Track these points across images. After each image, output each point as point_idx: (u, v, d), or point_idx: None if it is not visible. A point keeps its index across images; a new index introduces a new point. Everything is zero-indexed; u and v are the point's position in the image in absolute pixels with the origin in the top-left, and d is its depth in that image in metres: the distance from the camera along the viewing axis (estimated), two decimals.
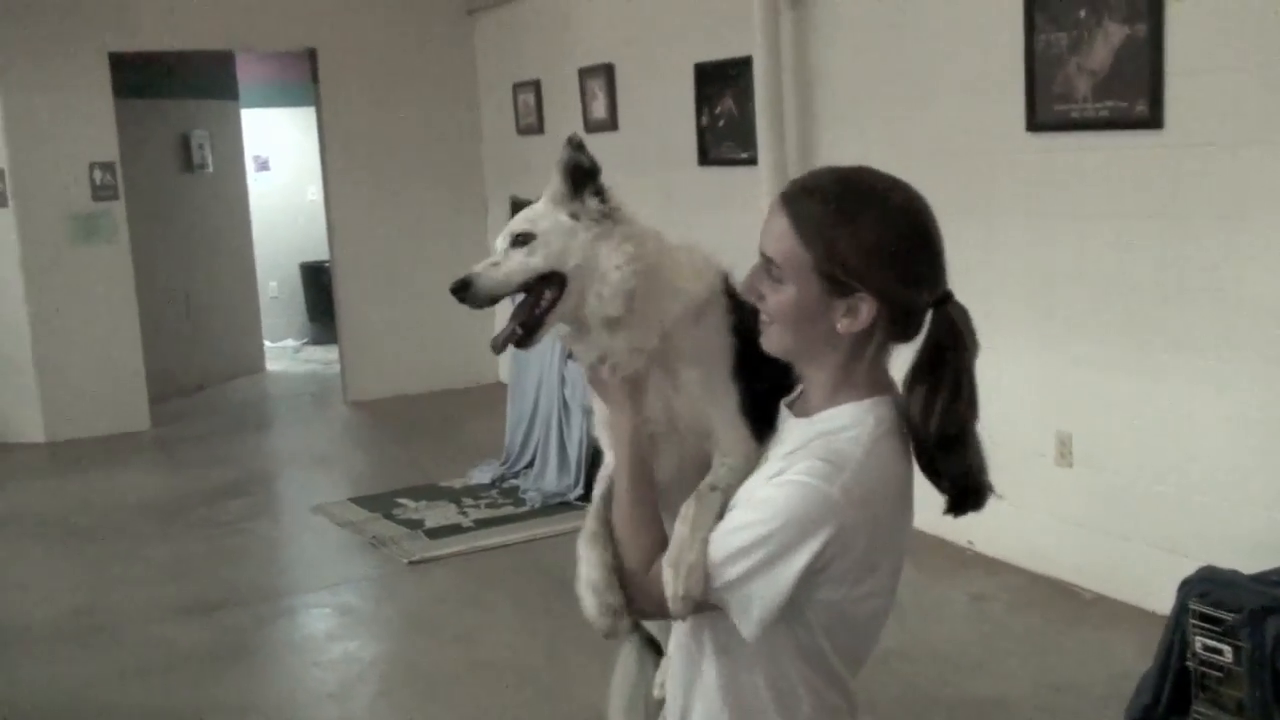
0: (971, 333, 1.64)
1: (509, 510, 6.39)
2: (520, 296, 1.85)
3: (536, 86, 8.65)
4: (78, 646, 4.90)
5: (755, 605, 1.60)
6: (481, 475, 6.95)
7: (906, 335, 1.66)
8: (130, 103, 8.76)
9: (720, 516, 1.68)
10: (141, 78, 9.02)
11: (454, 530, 6.09)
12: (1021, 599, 4.84)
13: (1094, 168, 4.61)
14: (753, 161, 6.19)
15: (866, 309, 1.61)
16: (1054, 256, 4.84)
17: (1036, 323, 4.90)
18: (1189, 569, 3.63)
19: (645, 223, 1.87)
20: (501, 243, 1.86)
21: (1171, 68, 4.22)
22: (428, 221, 9.30)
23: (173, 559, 5.94)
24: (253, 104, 11.45)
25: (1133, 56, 4.31)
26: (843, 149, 5.74)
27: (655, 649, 2.17)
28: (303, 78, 9.74)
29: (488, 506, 6.47)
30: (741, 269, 1.92)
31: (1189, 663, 3.48)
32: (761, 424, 1.82)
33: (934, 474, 1.67)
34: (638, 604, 1.73)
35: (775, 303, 1.65)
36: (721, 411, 1.82)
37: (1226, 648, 3.37)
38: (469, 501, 6.55)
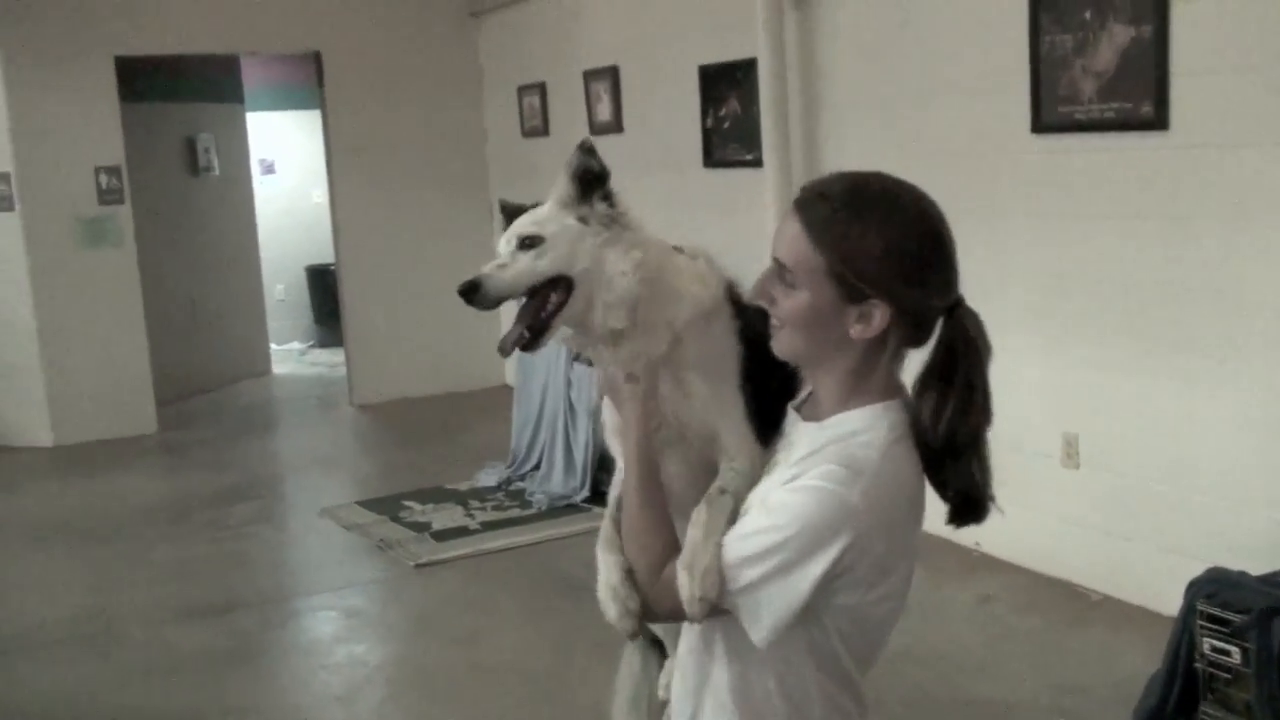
0: (984, 338, 1.64)
1: (515, 513, 6.39)
2: (524, 299, 1.85)
3: (541, 89, 8.65)
4: (83, 649, 4.91)
5: (767, 611, 1.60)
6: (488, 478, 6.95)
7: (919, 340, 1.66)
8: (136, 106, 8.78)
9: (732, 520, 1.68)
10: (147, 81, 9.04)
11: (461, 533, 6.09)
12: (1028, 600, 4.83)
13: (1099, 169, 4.61)
14: (758, 163, 6.19)
15: (880, 315, 1.60)
16: (1059, 257, 4.83)
17: (1041, 323, 4.89)
18: (1196, 570, 3.63)
19: (650, 229, 1.87)
20: (505, 245, 1.85)
21: (1177, 69, 4.21)
22: (433, 224, 9.30)
23: (179, 562, 5.95)
24: (258, 107, 11.48)
25: (1138, 58, 4.31)
26: (847, 150, 5.74)
27: (659, 649, 2.17)
28: (308, 81, 9.75)
29: (494, 509, 6.47)
30: (745, 271, 1.93)
31: (1197, 664, 3.47)
32: (765, 428, 1.83)
33: (940, 483, 1.67)
34: (653, 608, 1.72)
35: (787, 308, 1.64)
36: (728, 416, 1.82)
37: (1234, 649, 3.37)
38: (475, 504, 6.56)
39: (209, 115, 10.32)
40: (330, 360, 11.22)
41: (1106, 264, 4.64)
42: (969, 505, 1.67)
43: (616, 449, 1.89)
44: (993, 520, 1.71)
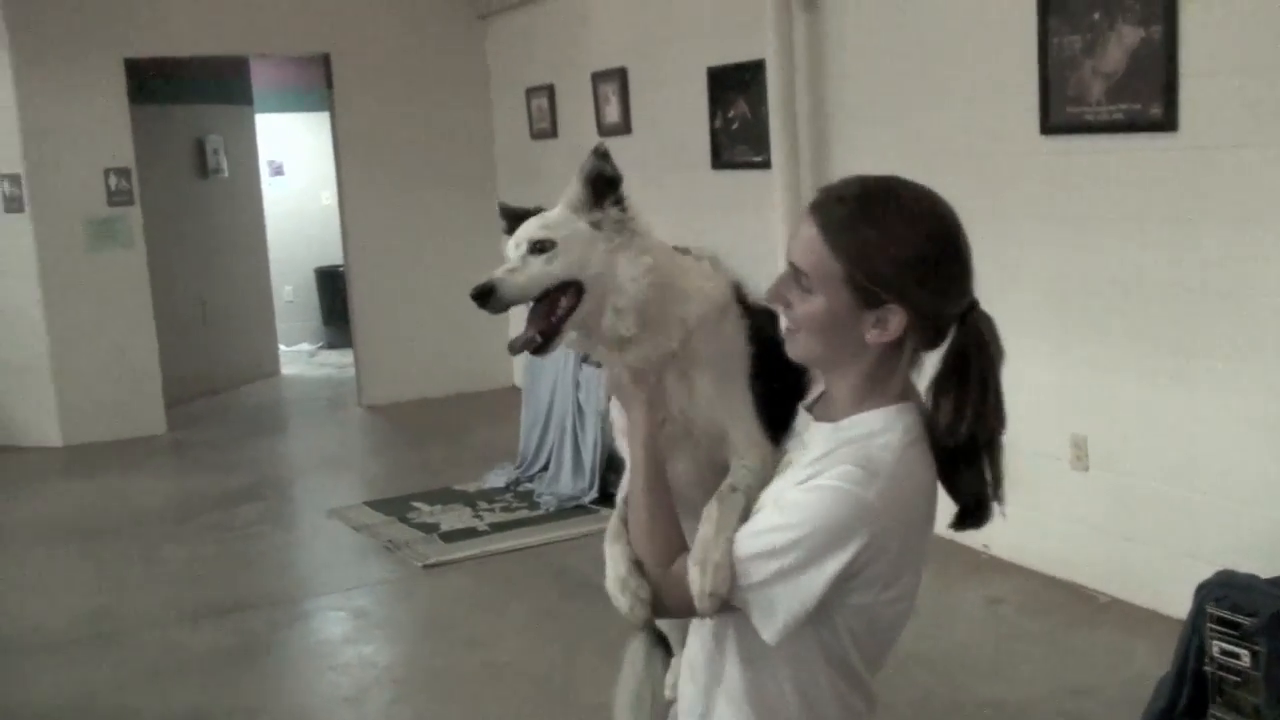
0: (997, 341, 1.64)
1: (524, 514, 6.39)
2: (533, 302, 1.85)
3: (550, 91, 8.66)
4: (91, 650, 4.92)
5: (780, 609, 1.60)
6: (496, 479, 6.96)
7: (934, 344, 1.66)
8: (145, 108, 8.80)
9: (743, 518, 1.69)
10: (156, 83, 9.06)
11: (469, 534, 6.09)
12: (1037, 602, 4.82)
13: (1108, 170, 4.60)
14: (766, 165, 6.19)
15: (896, 320, 1.60)
16: (1068, 259, 4.82)
17: (1050, 325, 4.88)
18: (1206, 573, 3.62)
19: (658, 231, 1.87)
20: (514, 249, 1.84)
21: (1186, 70, 4.20)
22: (441, 226, 9.30)
23: (187, 563, 5.96)
24: (267, 109, 11.50)
25: (1147, 59, 4.30)
26: (856, 152, 5.73)
27: (664, 648, 2.17)
28: (317, 83, 9.77)
29: (502, 510, 6.47)
30: (752, 272, 1.93)
31: (1206, 667, 3.46)
32: (774, 428, 1.83)
33: (953, 486, 1.67)
34: (663, 602, 1.72)
35: (804, 312, 1.64)
36: (738, 415, 1.82)
37: (1244, 652, 3.36)
38: (484, 505, 6.56)
39: (218, 117, 10.34)
40: (339, 361, 11.23)
41: (1115, 265, 4.63)
42: (976, 508, 1.67)
43: (625, 449, 1.90)
44: (1001, 522, 1.71)
